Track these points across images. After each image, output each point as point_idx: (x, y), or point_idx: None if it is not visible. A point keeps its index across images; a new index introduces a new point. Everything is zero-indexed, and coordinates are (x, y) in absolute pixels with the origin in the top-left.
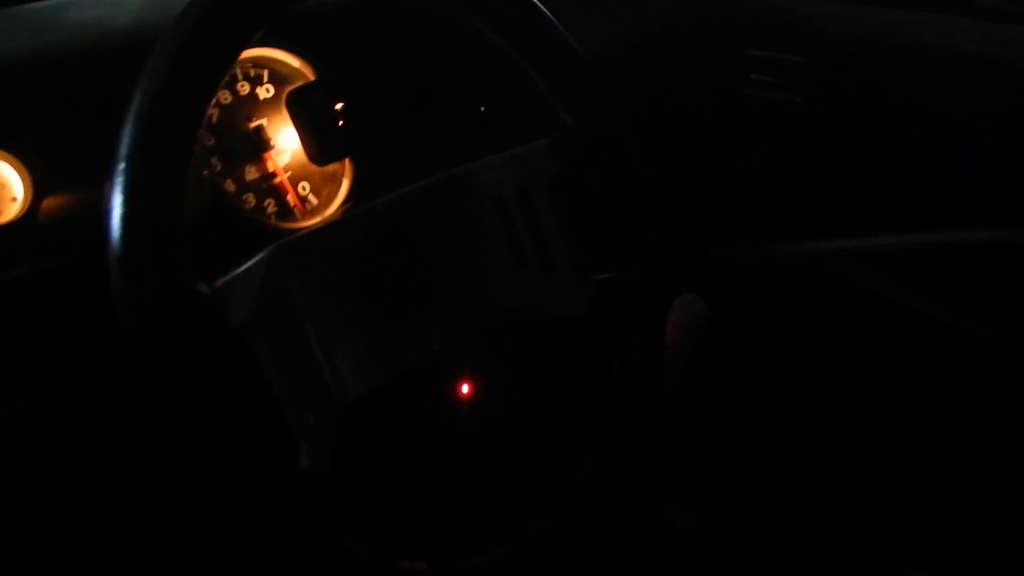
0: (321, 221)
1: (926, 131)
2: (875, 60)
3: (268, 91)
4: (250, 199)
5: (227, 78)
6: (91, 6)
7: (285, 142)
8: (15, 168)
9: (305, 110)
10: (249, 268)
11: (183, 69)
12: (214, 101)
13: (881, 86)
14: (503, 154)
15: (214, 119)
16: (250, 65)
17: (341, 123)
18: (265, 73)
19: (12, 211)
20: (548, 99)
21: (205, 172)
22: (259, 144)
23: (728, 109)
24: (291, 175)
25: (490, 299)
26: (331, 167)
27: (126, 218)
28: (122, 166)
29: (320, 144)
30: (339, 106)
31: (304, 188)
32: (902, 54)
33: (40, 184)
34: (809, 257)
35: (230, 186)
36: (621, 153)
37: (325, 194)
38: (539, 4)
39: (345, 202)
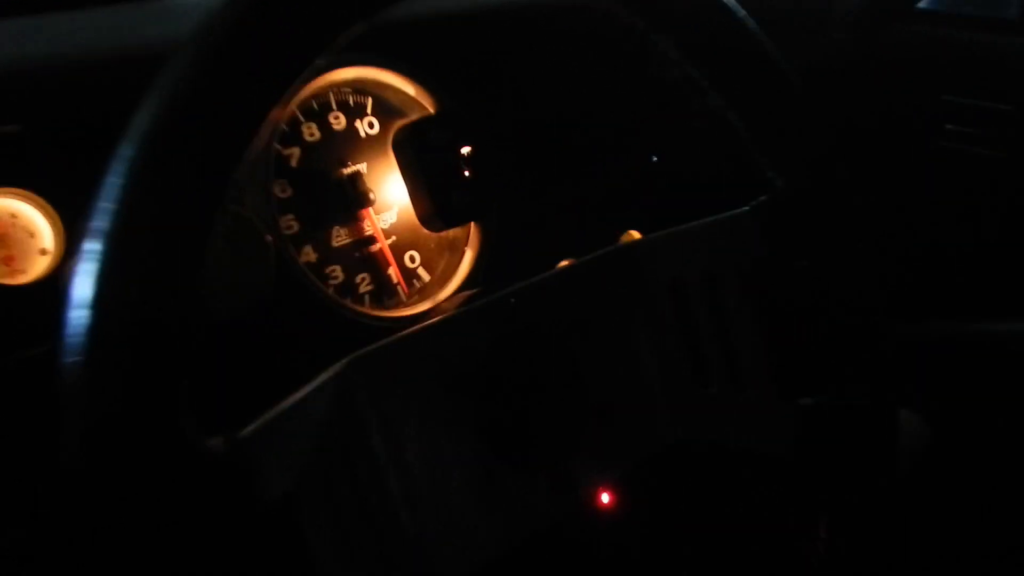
0: (433, 307)
1: None
2: None
3: (371, 126)
4: (336, 273)
5: (312, 106)
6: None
7: (390, 196)
8: (44, 213)
9: (420, 154)
10: (306, 398)
11: (210, 89)
12: (293, 137)
13: None
14: (684, 225)
15: (292, 162)
16: (349, 90)
17: (467, 173)
18: (369, 102)
19: (41, 267)
20: (751, 151)
21: (270, 237)
22: (354, 198)
23: (917, 162)
24: (395, 241)
25: (659, 429)
26: (451, 233)
27: (93, 328)
28: (92, 242)
29: (438, 200)
30: (466, 150)
31: (412, 260)
32: None
33: (75, 233)
34: (1008, 339)
35: (309, 255)
36: (850, 234)
37: (440, 269)
38: (749, 19)
39: (465, 284)
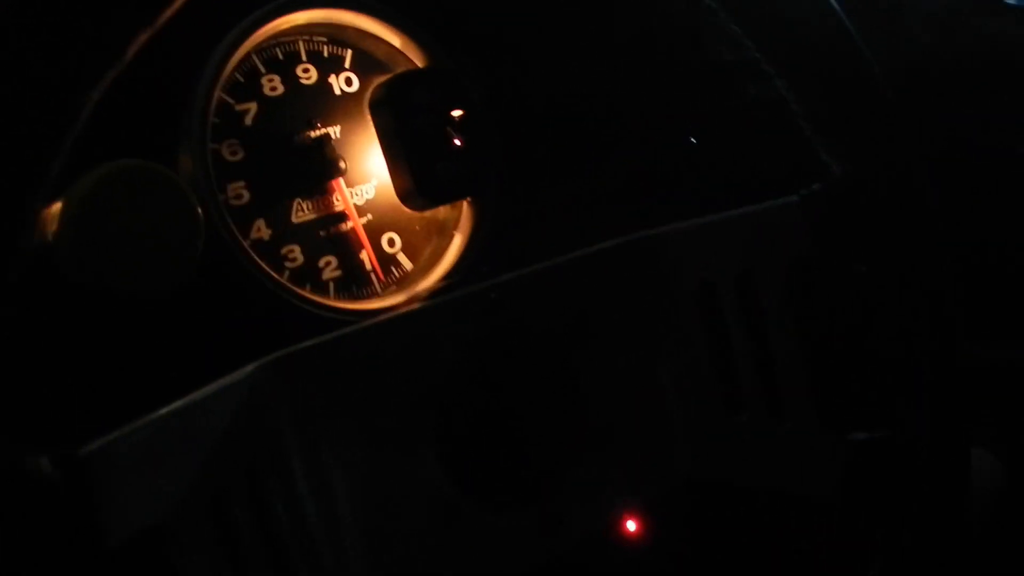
0: (408, 299)
1: None
2: None
3: (348, 83)
4: (294, 255)
5: (276, 54)
6: None
7: (368, 167)
8: None
9: (400, 115)
10: (196, 405)
11: None
12: (248, 90)
13: None
14: (717, 216)
15: (246, 119)
16: (323, 39)
17: (457, 141)
18: (348, 55)
19: None
20: (803, 130)
21: (207, 207)
22: (322, 166)
23: (1000, 168)
24: (371, 221)
25: (676, 463)
26: (441, 213)
27: None
28: None
29: (418, 172)
30: (457, 113)
31: (391, 243)
32: None
33: None
34: None
35: (260, 231)
36: (921, 234)
37: (426, 256)
38: None
39: (451, 273)
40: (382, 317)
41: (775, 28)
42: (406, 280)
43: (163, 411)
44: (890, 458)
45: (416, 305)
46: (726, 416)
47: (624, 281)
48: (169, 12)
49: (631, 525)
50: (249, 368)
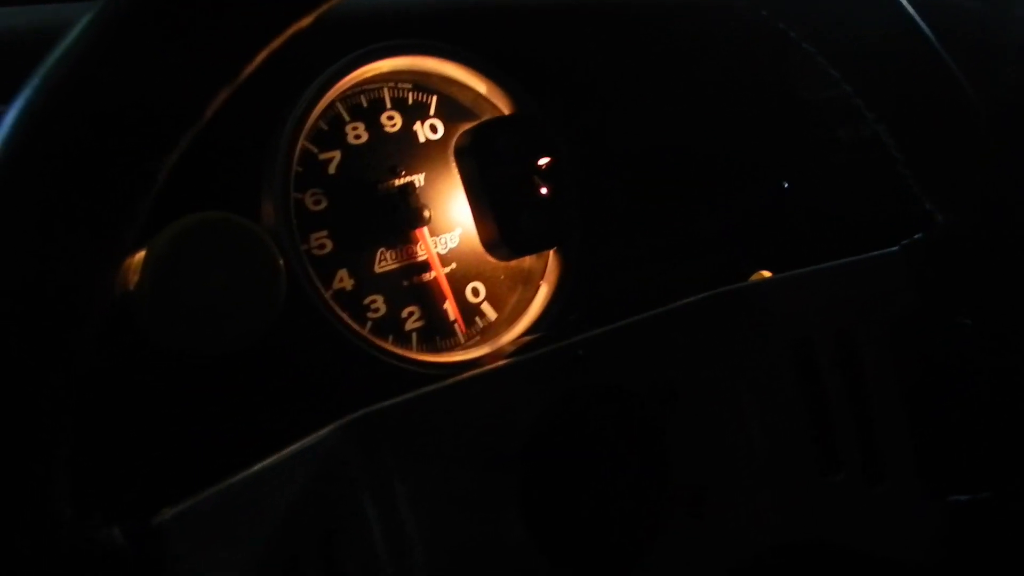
0: (492, 352)
1: None
2: None
3: (433, 130)
4: (377, 305)
5: (360, 102)
6: None
7: (452, 215)
8: None
9: (486, 163)
10: (273, 469)
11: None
12: (333, 138)
13: None
14: (814, 267)
15: (330, 168)
16: (408, 86)
17: (544, 190)
18: (432, 100)
19: None
20: (908, 179)
21: (281, 260)
22: (405, 214)
23: None
24: (455, 270)
25: (768, 526)
26: (526, 263)
27: None
28: None
29: (503, 222)
30: (543, 161)
31: (476, 293)
32: None
33: None
34: None
35: (343, 281)
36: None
37: (511, 306)
38: (923, 25)
39: (538, 326)
40: (465, 375)
41: (875, 70)
42: (490, 331)
43: (238, 478)
44: (992, 521)
45: (500, 362)
46: (822, 477)
47: (715, 336)
48: (249, 69)
49: None
50: (325, 431)
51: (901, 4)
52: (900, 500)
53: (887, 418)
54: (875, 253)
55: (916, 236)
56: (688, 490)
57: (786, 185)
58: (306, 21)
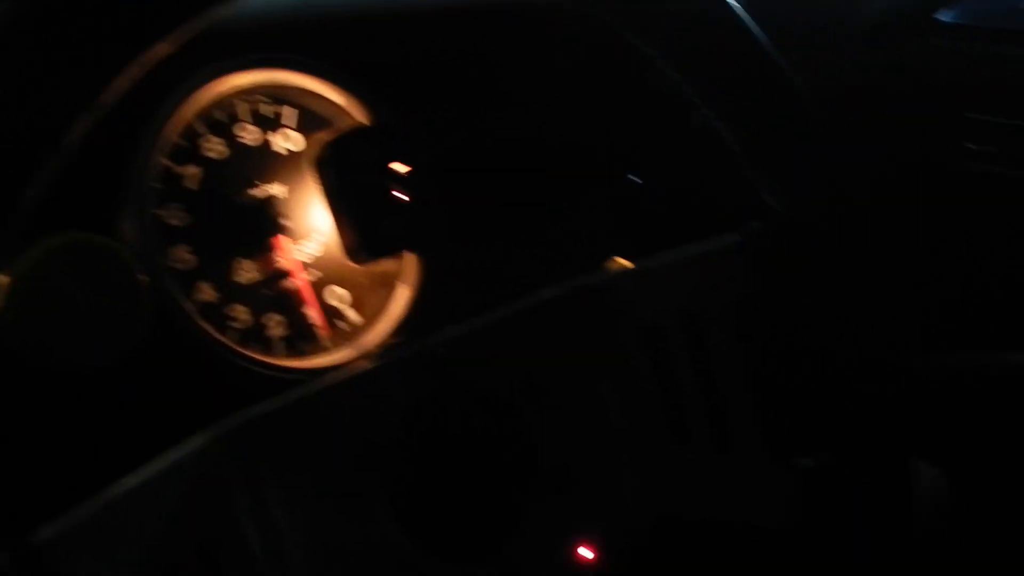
0: (356, 358)
1: None
2: None
3: (292, 141)
4: (241, 315)
5: (217, 116)
6: None
7: (313, 224)
8: None
9: (344, 172)
10: (149, 481)
11: None
12: (191, 154)
13: None
14: (660, 259)
15: (190, 183)
16: (264, 98)
17: (401, 195)
18: (289, 113)
19: None
20: (745, 170)
21: (142, 276)
22: (266, 225)
23: (939, 184)
24: (319, 277)
25: (628, 500)
26: (385, 265)
27: None
28: None
29: (363, 227)
30: (402, 168)
31: (339, 298)
32: None
33: None
34: None
35: (207, 293)
36: (861, 268)
37: (373, 308)
38: (750, 20)
39: (401, 326)
40: (329, 379)
41: (702, 64)
42: (354, 334)
43: (113, 492)
44: (838, 482)
45: (364, 365)
46: (674, 449)
47: (571, 328)
48: (107, 97)
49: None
50: (195, 441)
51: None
52: (750, 467)
53: (734, 392)
54: (717, 241)
55: (755, 225)
56: (552, 474)
57: (636, 180)
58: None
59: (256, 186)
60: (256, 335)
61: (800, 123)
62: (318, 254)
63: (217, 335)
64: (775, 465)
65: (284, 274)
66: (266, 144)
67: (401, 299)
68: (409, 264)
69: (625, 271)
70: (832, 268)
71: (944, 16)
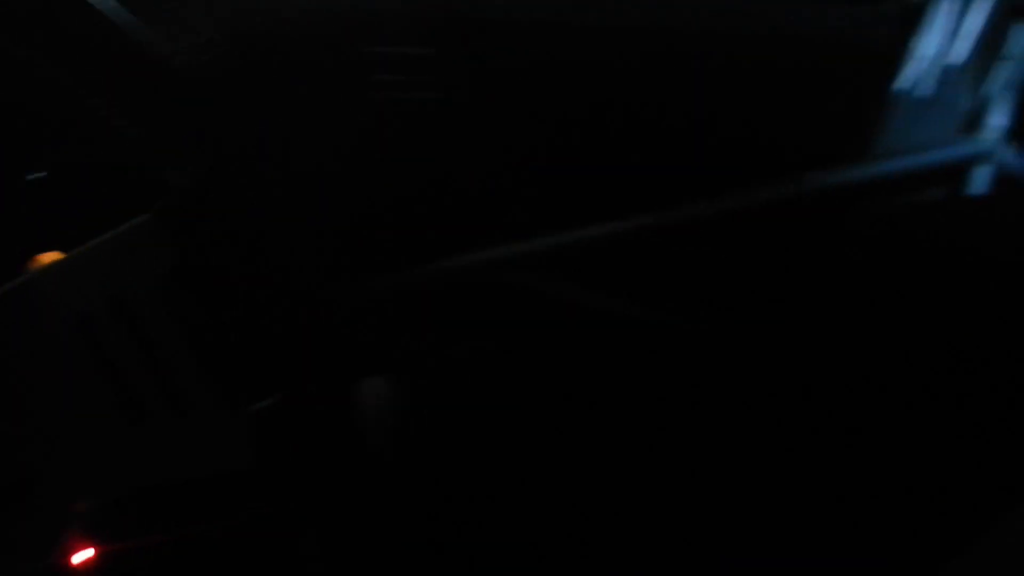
0: None
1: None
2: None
3: None
4: None
5: None
6: None
7: None
8: None
9: None
10: None
11: None
12: None
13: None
14: (81, 249)
15: None
16: None
17: None
18: None
19: None
20: (138, 150)
21: None
22: None
23: (354, 118)
24: None
25: (94, 482)
26: None
27: None
28: None
29: None
30: None
31: None
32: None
33: None
34: (479, 270)
35: None
36: (273, 219)
37: None
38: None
39: None
40: None
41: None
42: None
43: None
44: (290, 417)
45: None
46: (134, 426)
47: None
48: None
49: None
50: None
51: None
52: (211, 421)
53: (177, 353)
54: (129, 224)
55: (164, 201)
56: (9, 484)
57: (35, 175)
58: None
59: None
60: None
61: (171, 92)
62: None
63: None
64: (230, 415)
65: None
66: None
67: None
68: None
69: (49, 266)
70: (239, 227)
71: None
